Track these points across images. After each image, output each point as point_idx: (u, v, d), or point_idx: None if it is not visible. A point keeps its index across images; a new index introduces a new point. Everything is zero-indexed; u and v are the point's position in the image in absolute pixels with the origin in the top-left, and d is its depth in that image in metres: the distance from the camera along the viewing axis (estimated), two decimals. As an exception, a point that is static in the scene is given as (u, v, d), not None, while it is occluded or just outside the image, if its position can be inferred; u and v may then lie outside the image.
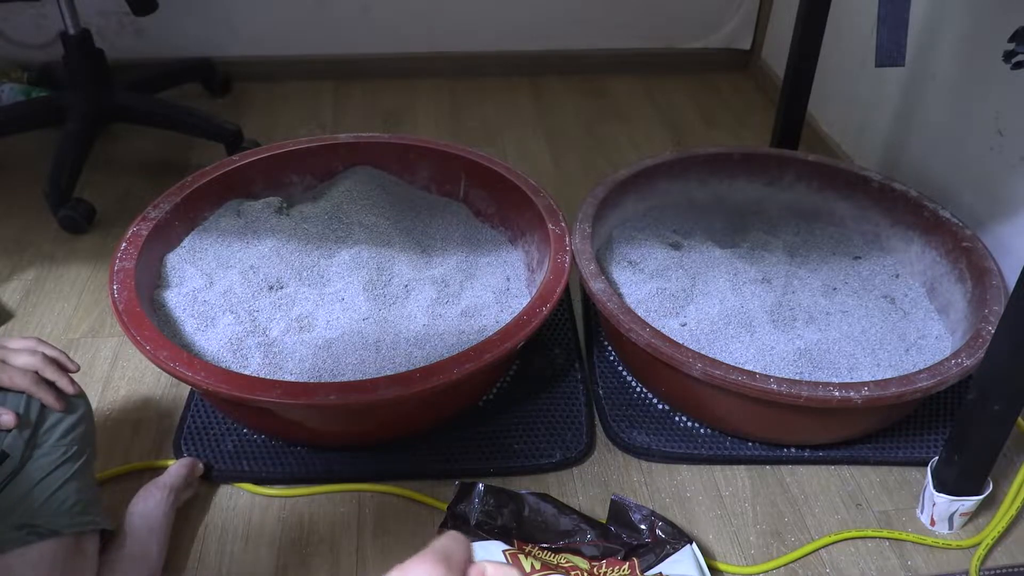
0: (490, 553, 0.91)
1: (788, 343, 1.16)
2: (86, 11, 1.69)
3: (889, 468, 1.13)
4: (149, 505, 0.97)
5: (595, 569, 0.93)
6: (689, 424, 1.16)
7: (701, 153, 1.43)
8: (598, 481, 1.10)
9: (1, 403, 0.81)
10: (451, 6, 2.01)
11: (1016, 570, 1.01)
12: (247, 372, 1.08)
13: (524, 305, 1.09)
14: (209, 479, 1.07)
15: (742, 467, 1.13)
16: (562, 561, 0.94)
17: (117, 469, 1.08)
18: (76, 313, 1.35)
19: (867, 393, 0.99)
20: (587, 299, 1.35)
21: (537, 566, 0.91)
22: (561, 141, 1.87)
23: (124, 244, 1.16)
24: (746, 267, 1.30)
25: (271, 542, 1.01)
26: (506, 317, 1.19)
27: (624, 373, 1.24)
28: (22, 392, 0.82)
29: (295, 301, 1.22)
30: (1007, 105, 1.22)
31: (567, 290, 1.19)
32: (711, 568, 0.99)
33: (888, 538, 1.04)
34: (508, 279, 1.30)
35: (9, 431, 0.80)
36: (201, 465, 1.06)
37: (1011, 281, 1.06)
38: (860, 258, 1.37)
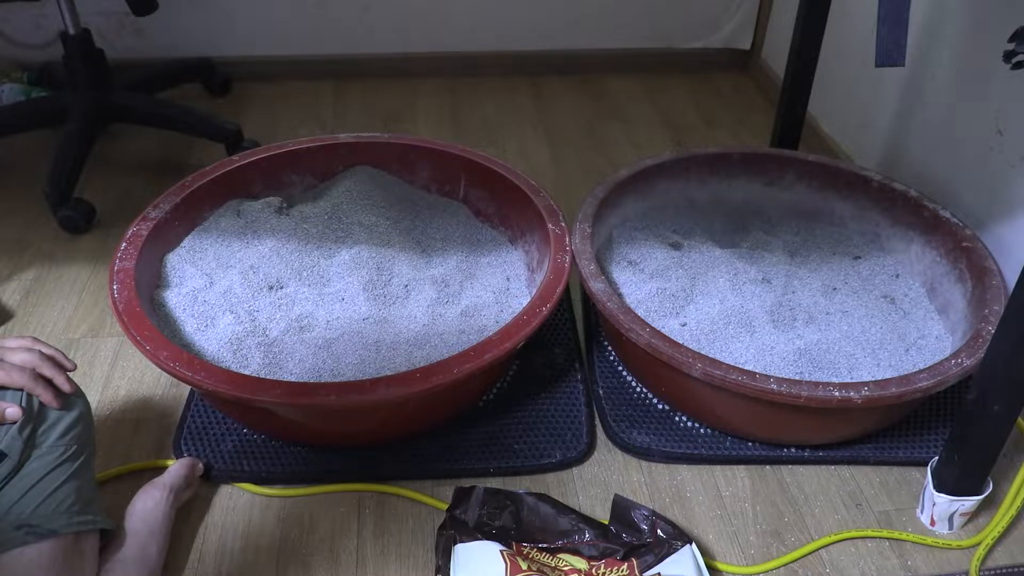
0: (487, 554, 0.91)
1: (788, 343, 1.16)
2: (86, 11, 1.69)
3: (889, 468, 1.13)
4: (149, 505, 0.97)
5: (594, 569, 0.93)
6: (689, 424, 1.16)
7: (701, 153, 1.43)
8: (598, 481, 1.10)
9: None
10: (451, 6, 2.01)
11: (1016, 570, 1.01)
12: (247, 372, 1.08)
13: (524, 305, 1.09)
14: (209, 479, 1.07)
15: (742, 467, 1.13)
16: (560, 563, 0.94)
17: (117, 469, 1.08)
18: (76, 313, 1.35)
19: (867, 393, 0.99)
20: (587, 299, 1.34)
21: (533, 568, 0.91)
22: (561, 141, 1.87)
23: (124, 244, 1.16)
24: (746, 267, 1.30)
25: (271, 542, 1.01)
26: (506, 317, 1.19)
27: (624, 373, 1.24)
28: (20, 389, 0.82)
29: (295, 301, 1.22)
30: (1007, 105, 1.22)
31: (567, 290, 1.19)
32: (711, 568, 0.99)
33: (888, 538, 1.04)
34: (508, 279, 1.30)
35: (15, 423, 0.80)
36: (201, 465, 1.06)
37: (1011, 281, 1.06)
38: (860, 258, 1.37)
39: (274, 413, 1.02)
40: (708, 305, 1.23)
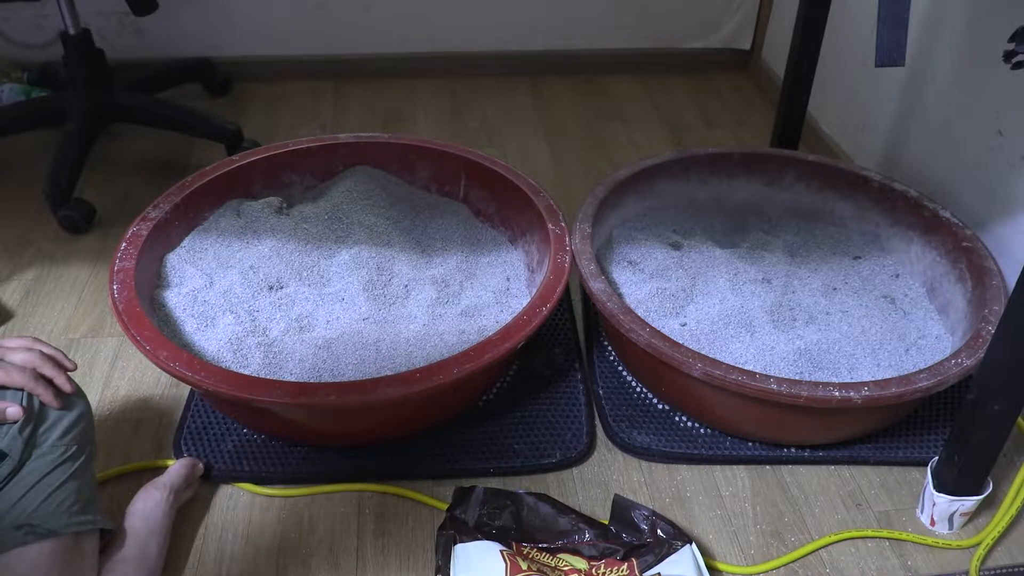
0: (487, 554, 0.91)
1: (788, 343, 1.16)
2: (86, 11, 1.69)
3: (889, 468, 1.13)
4: (149, 505, 0.97)
5: (594, 569, 0.93)
6: (689, 424, 1.16)
7: (701, 153, 1.43)
8: (598, 481, 1.10)
9: None
10: (451, 6, 2.01)
11: (1016, 570, 1.01)
12: (247, 372, 1.08)
13: (524, 305, 1.09)
14: (209, 479, 1.07)
15: (742, 467, 1.13)
16: (560, 563, 0.94)
17: (117, 469, 1.08)
18: (76, 313, 1.35)
19: (867, 393, 0.99)
20: (587, 299, 1.34)
21: (533, 568, 0.91)
22: (561, 141, 1.87)
23: (124, 244, 1.16)
24: (746, 267, 1.30)
25: (271, 542, 1.01)
26: (506, 317, 1.19)
27: (624, 373, 1.24)
28: (20, 389, 0.82)
29: (295, 301, 1.22)
30: (1007, 105, 1.22)
31: (567, 290, 1.19)
32: (711, 568, 0.99)
33: (888, 538, 1.04)
34: (508, 279, 1.30)
35: (15, 423, 0.80)
36: (201, 465, 1.06)
37: (1011, 281, 1.06)
38: (860, 258, 1.37)
39: (274, 413, 1.02)
40: (708, 305, 1.23)
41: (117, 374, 1.24)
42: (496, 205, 1.40)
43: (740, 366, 1.05)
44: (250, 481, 1.08)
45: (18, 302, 1.37)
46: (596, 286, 1.14)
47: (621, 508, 1.00)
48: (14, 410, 0.80)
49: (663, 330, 1.11)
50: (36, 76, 1.87)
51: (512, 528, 0.98)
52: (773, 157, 1.45)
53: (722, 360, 1.04)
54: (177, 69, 1.92)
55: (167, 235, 1.25)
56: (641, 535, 0.97)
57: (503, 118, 1.95)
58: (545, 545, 0.97)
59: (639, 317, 1.09)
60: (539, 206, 1.28)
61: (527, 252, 1.32)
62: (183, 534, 1.01)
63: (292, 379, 1.08)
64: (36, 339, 0.87)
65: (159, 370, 1.05)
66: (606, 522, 1.01)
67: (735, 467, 1.13)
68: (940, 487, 1.02)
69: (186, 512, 1.03)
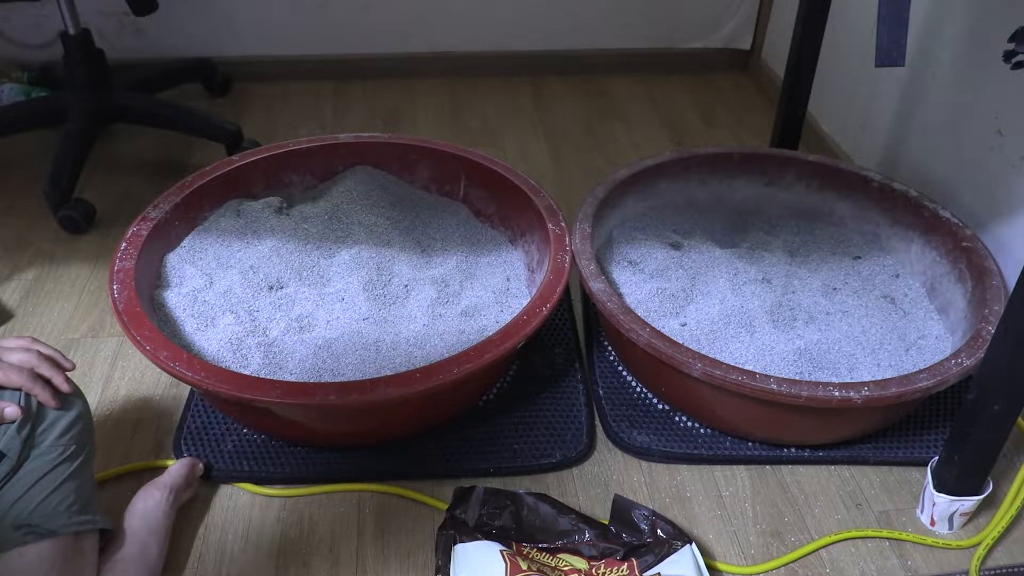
0: (487, 554, 0.91)
1: (788, 343, 1.16)
2: (86, 11, 1.69)
3: (889, 468, 1.13)
4: (149, 505, 0.97)
5: (594, 569, 0.93)
6: (689, 424, 1.16)
7: (701, 153, 1.43)
8: (598, 481, 1.10)
9: None
10: (451, 6, 2.01)
11: (1016, 570, 1.01)
12: (247, 372, 1.08)
13: (524, 305, 1.09)
14: (209, 479, 1.07)
15: (742, 467, 1.13)
16: (560, 563, 0.94)
17: (117, 469, 1.08)
18: (76, 313, 1.35)
19: (867, 393, 0.99)
20: (587, 299, 1.35)
21: (533, 568, 0.91)
22: (561, 141, 1.87)
23: (124, 244, 1.16)
24: (746, 267, 1.30)
25: (271, 542, 1.01)
26: (506, 317, 1.19)
27: (624, 373, 1.24)
28: (18, 389, 0.82)
29: (295, 301, 1.22)
30: (1007, 105, 1.22)
31: (567, 290, 1.19)
32: (711, 568, 0.99)
33: (888, 538, 1.04)
34: (508, 279, 1.30)
35: (13, 423, 0.80)
36: (201, 465, 1.06)
37: (1011, 281, 1.06)
38: (860, 258, 1.37)
39: (274, 413, 1.02)
40: (708, 305, 1.23)
41: (117, 374, 1.24)
42: (496, 205, 1.40)
43: (740, 366, 1.05)
44: (250, 481, 1.08)
45: (18, 302, 1.37)
46: (596, 286, 1.14)
47: (621, 508, 1.00)
48: (12, 410, 0.80)
49: (663, 330, 1.11)
50: (36, 76, 1.87)
51: (512, 528, 0.98)
52: (773, 157, 1.45)
53: (722, 360, 1.04)
54: (177, 69, 1.92)
55: (167, 235, 1.25)
56: (641, 535, 0.97)
57: (503, 118, 1.95)
58: (545, 545, 0.97)
59: (639, 317, 1.09)
60: (539, 206, 1.28)
61: (527, 252, 1.32)
62: (183, 534, 1.01)
63: (292, 379, 1.08)
64: (34, 339, 0.87)
65: (159, 370, 1.05)
66: (606, 522, 1.01)
67: (735, 467, 1.13)
68: (940, 487, 1.02)
69: (186, 512, 1.03)
